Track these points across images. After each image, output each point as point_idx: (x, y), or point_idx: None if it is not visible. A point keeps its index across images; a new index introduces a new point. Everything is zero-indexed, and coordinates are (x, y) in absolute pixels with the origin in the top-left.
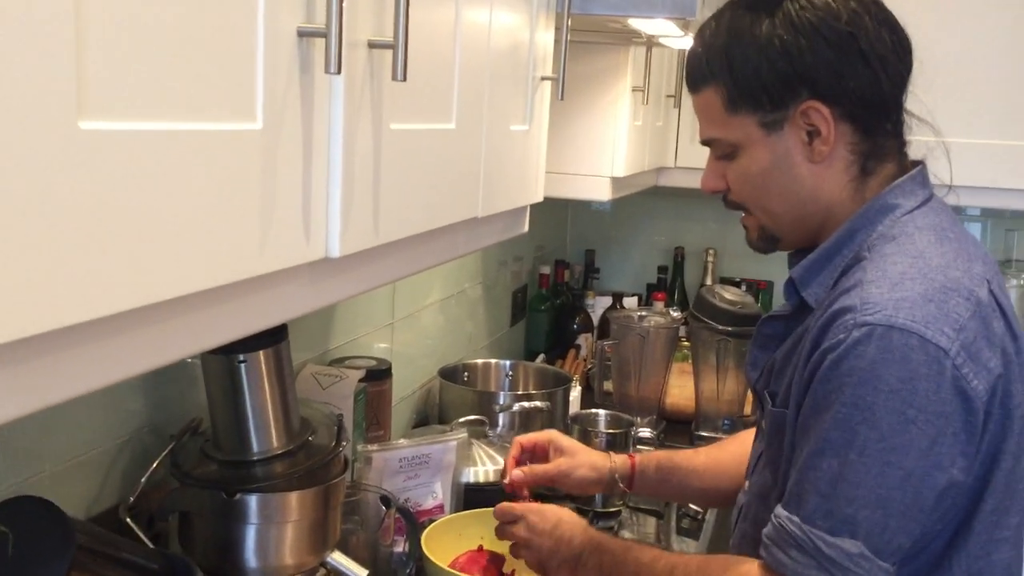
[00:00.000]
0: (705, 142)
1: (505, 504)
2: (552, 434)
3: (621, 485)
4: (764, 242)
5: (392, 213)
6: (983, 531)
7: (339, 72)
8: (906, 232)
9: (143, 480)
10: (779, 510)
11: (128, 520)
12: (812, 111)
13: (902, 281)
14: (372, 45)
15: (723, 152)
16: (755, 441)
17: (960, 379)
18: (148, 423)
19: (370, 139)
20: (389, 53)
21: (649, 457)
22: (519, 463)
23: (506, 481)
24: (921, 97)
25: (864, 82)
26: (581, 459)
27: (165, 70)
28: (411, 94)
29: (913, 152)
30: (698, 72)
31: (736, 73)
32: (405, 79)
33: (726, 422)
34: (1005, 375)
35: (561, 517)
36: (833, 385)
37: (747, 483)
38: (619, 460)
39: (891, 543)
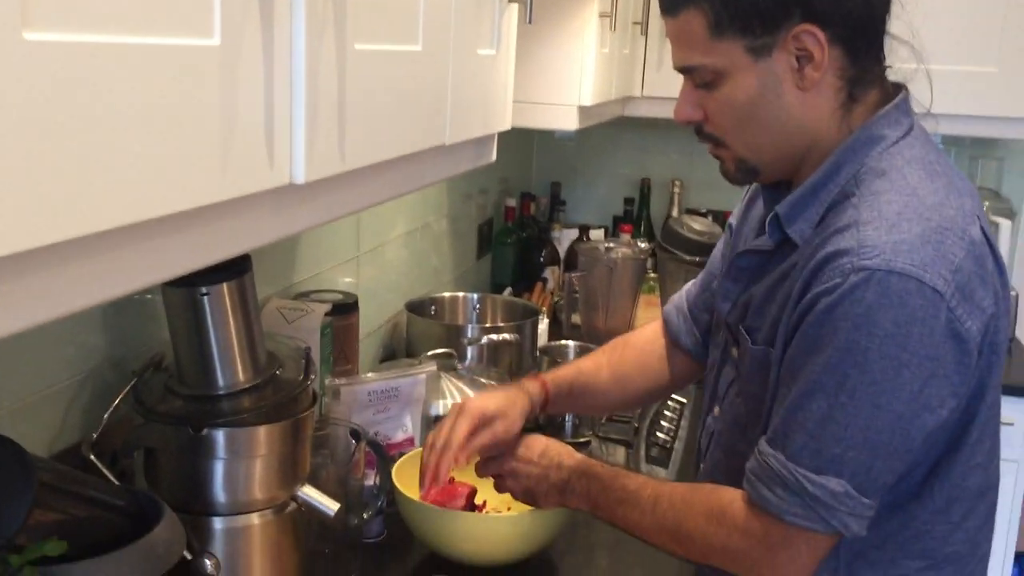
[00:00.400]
0: (682, 69)
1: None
2: (471, 409)
3: (537, 413)
4: (743, 174)
5: (359, 138)
6: (963, 460)
7: None
8: (895, 166)
9: (105, 416)
10: (764, 447)
11: (92, 457)
12: (805, 34)
13: (899, 222)
14: None
15: (703, 80)
16: (723, 367)
17: (954, 321)
18: (108, 358)
19: (334, 59)
20: None
21: (560, 381)
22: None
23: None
24: (892, 24)
25: (858, 3)
26: (511, 417)
27: None
28: (376, 13)
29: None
30: None
31: None
32: None
33: None
34: (996, 314)
35: (548, 444)
36: (827, 329)
37: (717, 409)
38: (533, 389)
39: (876, 481)
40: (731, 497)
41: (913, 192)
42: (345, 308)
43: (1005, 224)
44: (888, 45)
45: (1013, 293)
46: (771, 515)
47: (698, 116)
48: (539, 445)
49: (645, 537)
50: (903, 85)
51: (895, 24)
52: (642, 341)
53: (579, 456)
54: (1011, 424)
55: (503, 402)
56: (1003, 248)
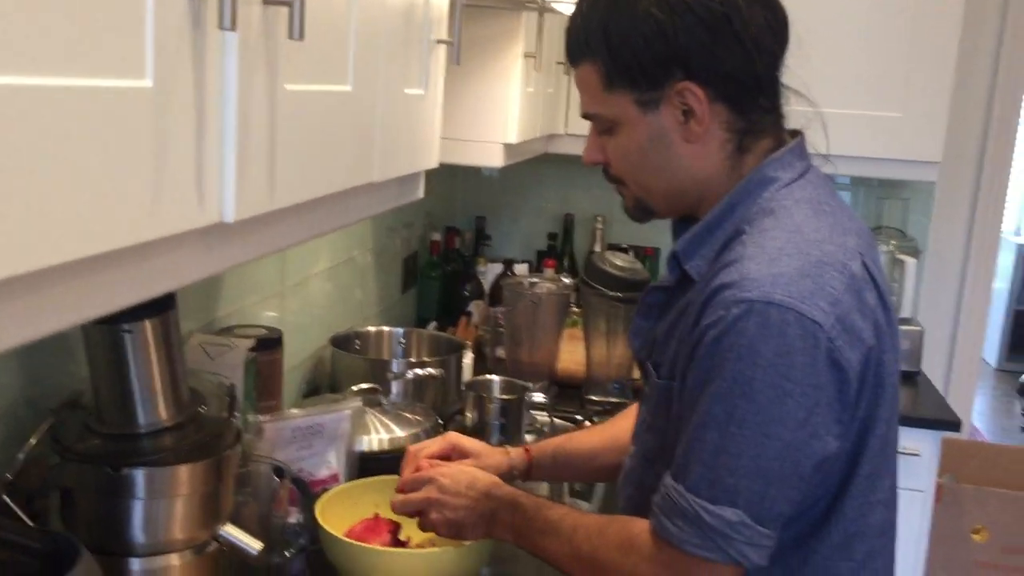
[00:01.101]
0: (585, 115)
1: (410, 475)
2: (452, 437)
3: (518, 478)
4: (640, 212)
5: (288, 177)
6: (859, 495)
7: (233, 28)
8: (784, 206)
9: (21, 456)
10: (667, 479)
11: (5, 498)
12: (686, 91)
13: (779, 256)
14: (267, 2)
15: (602, 127)
16: (640, 406)
17: (834, 351)
18: (23, 397)
19: (265, 99)
20: (285, 10)
21: (544, 448)
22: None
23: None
24: (796, 71)
25: (738, 62)
26: (487, 459)
27: (48, 21)
28: (307, 54)
29: (793, 124)
30: (576, 47)
31: (613, 51)
32: (302, 37)
33: (615, 386)
34: (877, 345)
35: (475, 475)
36: (715, 361)
37: (632, 448)
38: (516, 455)
39: (771, 510)
40: (640, 528)
41: (797, 229)
42: (269, 343)
43: (911, 262)
44: (785, 94)
45: (918, 329)
46: (674, 546)
47: (601, 159)
48: (466, 477)
49: (563, 567)
50: (799, 132)
51: (794, 74)
52: (635, 407)
53: (506, 487)
54: (917, 455)
55: (484, 448)
56: (909, 285)
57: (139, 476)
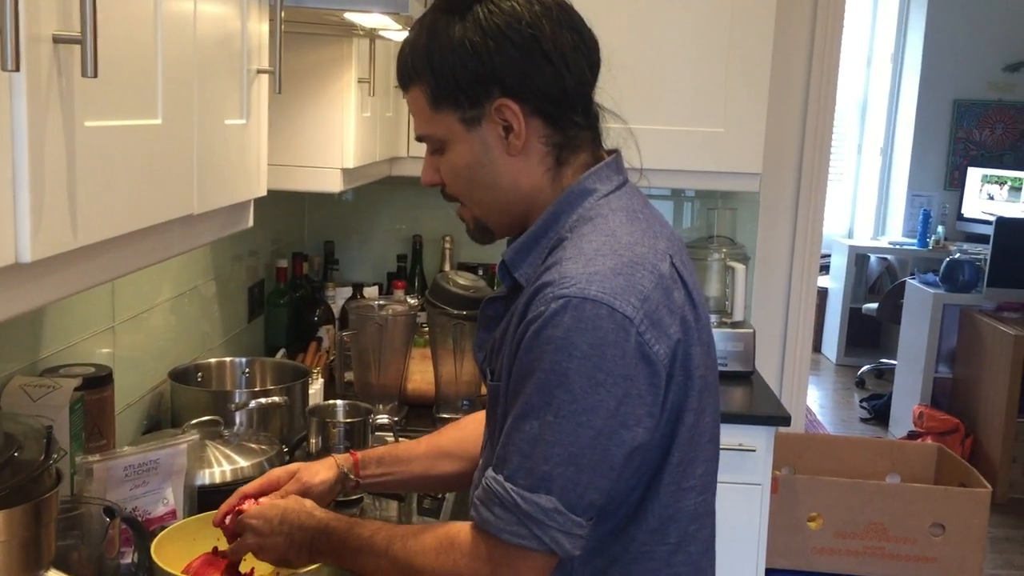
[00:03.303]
0: (418, 138)
1: (225, 521)
2: (273, 472)
3: (352, 478)
4: (480, 232)
5: (92, 214)
6: (671, 482)
7: (18, 69)
8: (601, 214)
9: None
10: (488, 472)
11: None
12: (504, 108)
13: (595, 257)
14: (57, 40)
15: (434, 147)
16: (487, 419)
17: (644, 345)
18: None
19: (61, 138)
20: (77, 48)
21: (371, 452)
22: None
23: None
24: (609, 91)
25: (548, 79)
26: (313, 468)
27: None
28: (108, 89)
29: (613, 142)
30: (404, 72)
31: (436, 73)
32: (96, 75)
33: (465, 403)
34: (685, 340)
35: (285, 508)
36: (535, 353)
37: (480, 461)
38: (342, 458)
39: (583, 498)
40: (459, 528)
41: (612, 233)
42: (97, 381)
43: (740, 268)
44: (603, 115)
45: (750, 331)
46: (491, 536)
47: (436, 179)
48: (275, 513)
49: None
50: (616, 149)
51: (607, 94)
52: (466, 420)
53: (319, 514)
54: (753, 450)
55: (307, 465)
56: (739, 290)
57: None
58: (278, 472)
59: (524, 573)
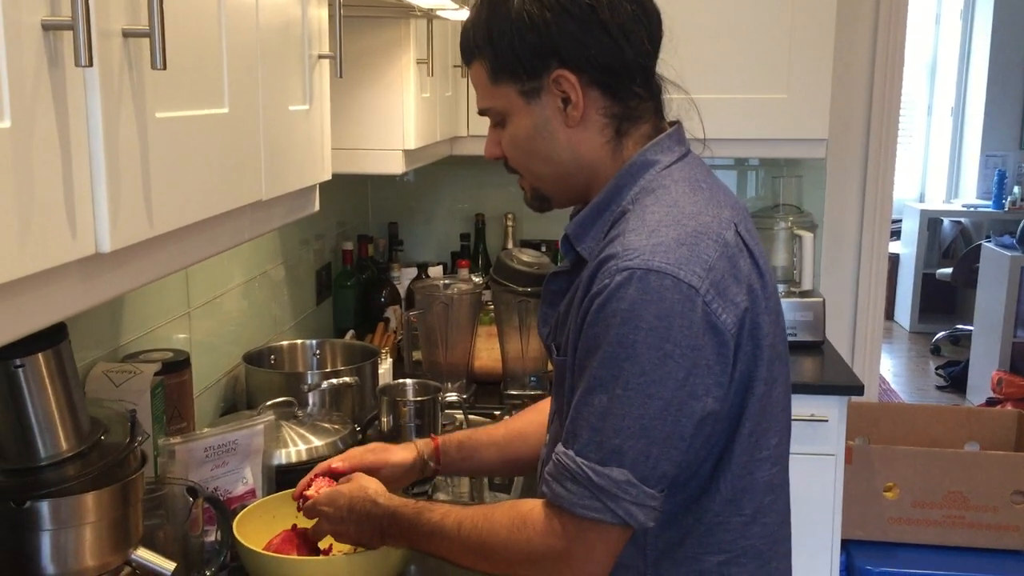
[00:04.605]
0: (481, 112)
1: (307, 504)
2: (352, 451)
3: (431, 465)
4: (538, 201)
5: (166, 203)
6: (743, 453)
7: (91, 64)
8: (663, 185)
9: None
10: (558, 448)
11: None
12: (562, 79)
13: (658, 228)
14: (127, 34)
15: (496, 120)
16: (553, 394)
17: (710, 314)
18: None
19: (134, 130)
20: (146, 41)
21: (451, 437)
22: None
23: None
24: (669, 62)
25: (606, 50)
26: (392, 451)
27: None
28: (176, 81)
29: (675, 113)
30: (466, 47)
31: (495, 46)
32: (165, 67)
33: (532, 379)
34: (752, 309)
35: (352, 496)
36: (600, 327)
37: (547, 437)
38: (423, 443)
39: (655, 470)
40: (531, 505)
41: (674, 204)
42: (176, 366)
43: (807, 237)
44: (665, 86)
45: (819, 300)
46: (565, 511)
47: (498, 152)
48: (343, 500)
49: (458, 562)
50: (677, 120)
51: (669, 65)
52: (543, 403)
53: (383, 501)
54: (825, 420)
55: (387, 448)
56: (807, 259)
57: (44, 508)
58: (358, 450)
59: (598, 547)
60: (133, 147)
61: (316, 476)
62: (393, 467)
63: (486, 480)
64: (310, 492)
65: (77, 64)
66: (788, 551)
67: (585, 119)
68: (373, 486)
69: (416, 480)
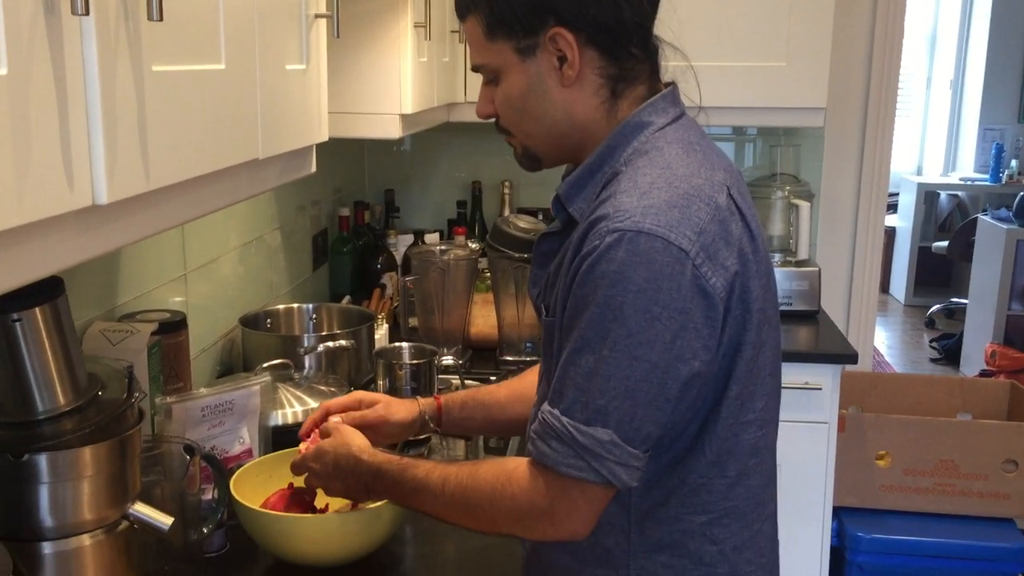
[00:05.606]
0: (474, 68)
1: (293, 461)
2: (358, 393)
3: (432, 424)
4: (528, 160)
5: (163, 157)
6: (729, 415)
7: (87, 13)
8: (657, 146)
9: None
10: (544, 406)
11: None
12: (559, 37)
13: (650, 190)
14: None
15: (489, 77)
16: (542, 354)
17: (700, 278)
18: None
19: (131, 82)
20: None
21: (454, 396)
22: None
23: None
24: (668, 25)
25: (604, 9)
26: (395, 405)
27: None
28: (173, 34)
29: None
30: (462, 1)
31: (492, 2)
32: (161, 18)
33: (528, 345)
34: (743, 272)
35: (336, 453)
36: (589, 288)
37: (536, 397)
38: (426, 402)
39: (640, 431)
40: (516, 463)
41: (667, 165)
42: (173, 326)
43: (804, 206)
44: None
45: (815, 269)
46: (549, 469)
47: (491, 110)
48: (328, 457)
49: (442, 517)
50: (672, 82)
51: (668, 28)
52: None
53: (366, 458)
54: (819, 388)
55: (392, 399)
56: (803, 228)
57: (42, 461)
58: (362, 394)
59: (582, 505)
60: (130, 100)
61: (325, 414)
62: (393, 425)
63: (481, 443)
64: (301, 447)
65: (74, 12)
66: (773, 513)
67: (580, 79)
68: (357, 441)
69: (413, 437)
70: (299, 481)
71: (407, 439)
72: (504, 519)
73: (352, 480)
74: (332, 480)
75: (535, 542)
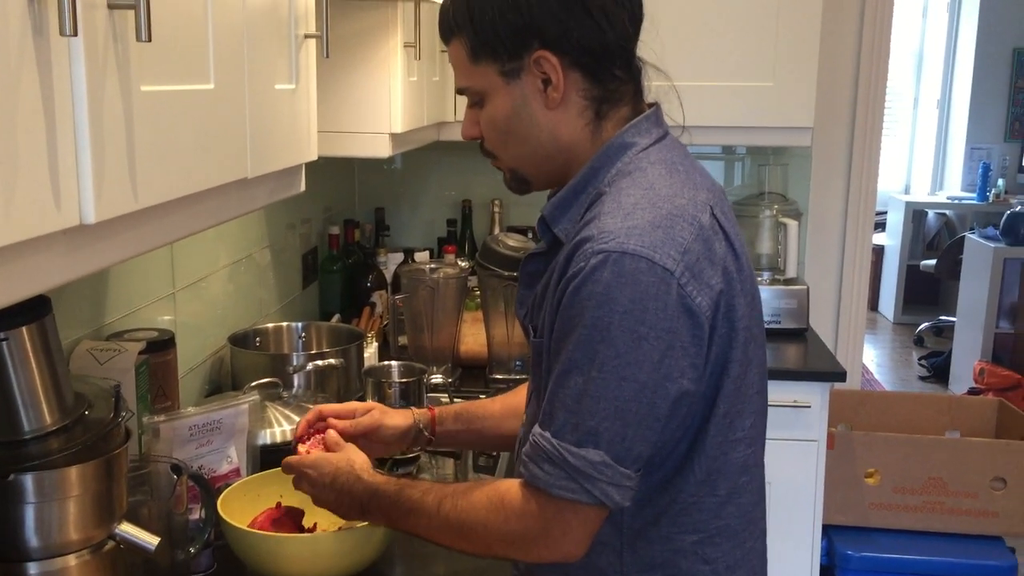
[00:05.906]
0: (459, 91)
1: (288, 459)
2: (353, 403)
3: (425, 433)
4: (517, 183)
5: (151, 176)
6: (718, 434)
7: (75, 34)
8: (640, 167)
9: None
10: (535, 429)
11: None
12: (543, 60)
13: (634, 211)
14: (112, 6)
15: (474, 100)
16: (531, 375)
17: (685, 297)
18: None
19: (119, 102)
20: (131, 13)
21: (448, 408)
22: (311, 425)
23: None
24: (652, 46)
25: (588, 32)
26: (390, 412)
27: None
28: (162, 55)
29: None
30: (446, 24)
31: (476, 25)
32: (150, 40)
33: (518, 363)
34: (727, 291)
35: (338, 467)
36: (576, 310)
37: (525, 416)
38: (420, 412)
39: (631, 451)
40: (508, 485)
41: (650, 186)
42: (161, 345)
43: (792, 225)
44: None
45: (803, 288)
46: (542, 492)
47: (476, 133)
48: (330, 468)
49: (437, 540)
50: (656, 103)
51: (650, 48)
52: None
53: (367, 477)
54: (808, 407)
55: (387, 408)
56: (791, 247)
57: (28, 481)
58: (358, 404)
59: (575, 527)
60: (118, 119)
61: (313, 430)
62: (388, 430)
63: (470, 462)
64: (301, 449)
65: (62, 33)
66: (763, 530)
67: (565, 101)
68: (360, 460)
69: (408, 446)
70: (288, 500)
71: (399, 451)
72: (498, 542)
73: (346, 497)
74: (326, 491)
75: (528, 563)
